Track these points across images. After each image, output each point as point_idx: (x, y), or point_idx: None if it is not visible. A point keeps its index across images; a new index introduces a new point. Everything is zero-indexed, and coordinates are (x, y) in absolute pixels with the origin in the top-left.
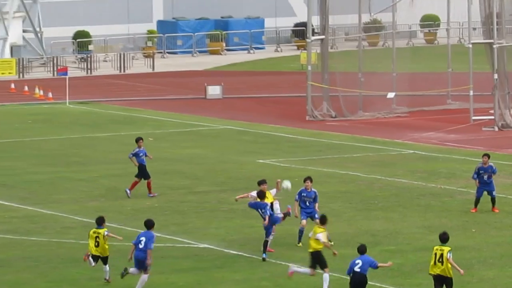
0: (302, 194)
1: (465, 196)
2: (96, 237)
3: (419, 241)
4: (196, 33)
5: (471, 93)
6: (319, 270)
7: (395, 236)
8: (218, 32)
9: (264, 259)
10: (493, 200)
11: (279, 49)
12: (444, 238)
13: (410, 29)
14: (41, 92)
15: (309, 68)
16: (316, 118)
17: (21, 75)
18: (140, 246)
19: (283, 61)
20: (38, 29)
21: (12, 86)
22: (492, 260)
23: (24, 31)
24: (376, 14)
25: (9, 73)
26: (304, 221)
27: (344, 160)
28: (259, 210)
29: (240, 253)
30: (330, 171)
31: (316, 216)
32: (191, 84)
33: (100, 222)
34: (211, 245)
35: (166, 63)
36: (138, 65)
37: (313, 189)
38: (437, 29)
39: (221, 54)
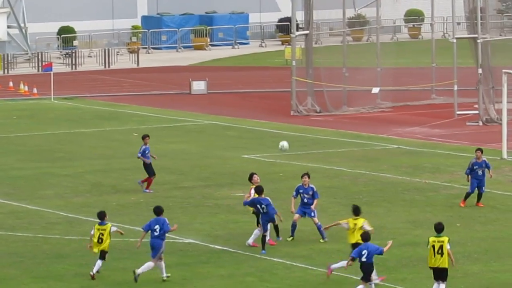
0: (300, 191)
1: (449, 191)
2: (101, 233)
3: (404, 236)
4: (180, 29)
5: (456, 87)
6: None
7: (380, 231)
8: (202, 28)
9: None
10: (480, 195)
11: (263, 44)
12: (439, 228)
13: (395, 24)
14: (26, 88)
15: (294, 63)
16: (301, 113)
17: (5, 70)
18: (155, 234)
19: (267, 56)
20: (22, 25)
21: None
22: (476, 255)
23: (8, 26)
24: (360, 9)
25: None
26: (297, 215)
27: (328, 155)
28: (258, 206)
29: (225, 248)
30: (315, 166)
31: (312, 214)
32: (176, 79)
33: (101, 217)
34: (196, 240)
35: (151, 59)
36: (123, 61)
37: (310, 185)
38: (421, 24)
39: (205, 49)
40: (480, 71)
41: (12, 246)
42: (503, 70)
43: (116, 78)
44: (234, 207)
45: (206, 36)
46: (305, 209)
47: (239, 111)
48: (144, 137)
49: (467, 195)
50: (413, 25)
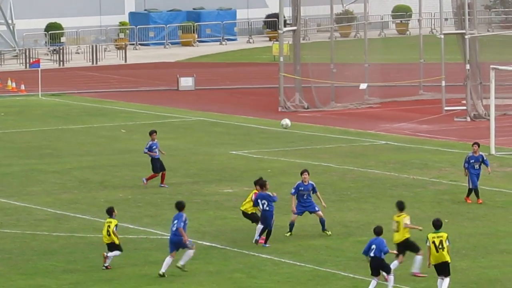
0: (300, 188)
1: (437, 187)
2: (108, 225)
3: (392, 233)
4: (168, 25)
5: (443, 83)
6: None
7: (368, 227)
8: (190, 24)
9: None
10: (470, 191)
11: (251, 40)
12: (438, 225)
13: (382, 20)
14: (14, 85)
15: (281, 59)
16: (289, 109)
17: None
18: (173, 229)
19: (255, 52)
20: (10, 21)
21: None
22: (465, 251)
23: None
24: (348, 5)
25: None
26: (294, 216)
27: (316, 151)
28: (263, 201)
29: (213, 245)
30: (303, 162)
31: (317, 208)
32: (164, 75)
33: (109, 212)
34: None
35: (139, 55)
36: (110, 57)
37: (310, 182)
38: (409, 20)
39: (193, 45)
40: (468, 67)
41: (0, 242)
42: (491, 66)
43: (104, 74)
44: (222, 203)
45: (193, 32)
46: (304, 207)
47: (226, 107)
48: (151, 133)
49: (470, 191)
50: (401, 21)
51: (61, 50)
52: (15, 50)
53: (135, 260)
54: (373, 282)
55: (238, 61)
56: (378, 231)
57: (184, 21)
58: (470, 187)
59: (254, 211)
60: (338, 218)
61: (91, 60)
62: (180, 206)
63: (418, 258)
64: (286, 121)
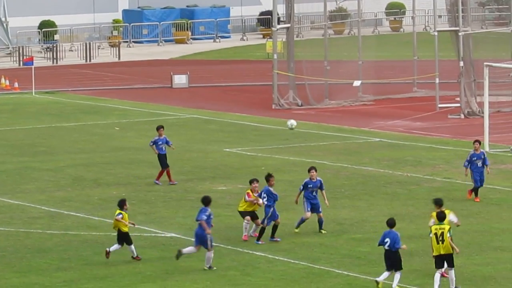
0: (308, 186)
1: (431, 184)
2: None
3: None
4: (161, 22)
5: (437, 80)
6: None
7: (362, 225)
8: (183, 21)
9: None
10: (476, 190)
11: (244, 37)
12: (441, 217)
13: (376, 17)
14: (7, 82)
15: (275, 56)
16: (282, 107)
17: None
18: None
19: (249, 49)
20: (3, 19)
21: None
22: (459, 248)
23: None
24: (341, 2)
25: None
26: (308, 213)
27: (310, 148)
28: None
29: None
30: (297, 160)
31: (320, 210)
32: (157, 73)
33: (120, 205)
34: (178, 234)
35: (132, 52)
36: (104, 55)
37: (318, 178)
38: (402, 17)
39: (187, 43)
40: (461, 64)
41: None
42: (485, 63)
43: (97, 72)
44: (216, 201)
45: (187, 29)
46: (314, 203)
47: (220, 104)
48: (158, 128)
49: (475, 189)
50: (395, 18)
51: (55, 48)
52: (8, 47)
53: (128, 257)
54: (397, 275)
55: (231, 58)
56: (391, 223)
57: (177, 19)
58: (475, 185)
59: (251, 210)
60: (332, 215)
61: (84, 58)
62: (205, 200)
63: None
64: (291, 121)
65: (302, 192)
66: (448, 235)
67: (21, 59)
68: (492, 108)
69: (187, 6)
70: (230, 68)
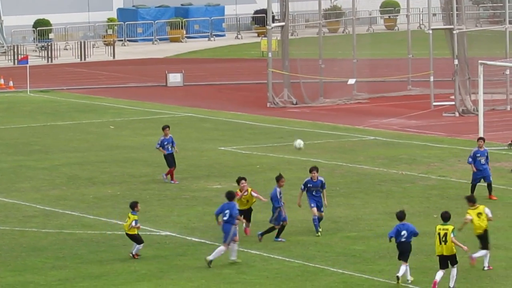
0: (309, 185)
1: (426, 182)
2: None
3: (381, 228)
4: (156, 21)
5: (432, 79)
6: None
7: (357, 223)
8: (178, 20)
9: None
10: (490, 187)
11: (239, 36)
12: (446, 217)
13: (370, 16)
14: (2, 81)
15: (270, 55)
16: (277, 105)
17: None
18: (225, 218)
19: (243, 48)
20: None
21: None
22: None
23: None
24: (336, 0)
25: None
26: (314, 209)
27: (305, 146)
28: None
29: (202, 241)
30: (291, 158)
31: (322, 209)
32: (152, 71)
33: (131, 207)
34: (173, 233)
35: (127, 51)
36: (99, 53)
37: (319, 178)
38: (397, 15)
39: (181, 41)
40: (456, 62)
41: None
42: (479, 61)
43: (92, 70)
44: (211, 199)
45: (182, 28)
46: (317, 200)
47: (215, 103)
48: (164, 128)
49: (472, 187)
50: (389, 16)
51: (49, 47)
52: (3, 46)
53: (124, 256)
54: (403, 267)
55: (226, 57)
56: (401, 216)
57: (172, 17)
58: (474, 183)
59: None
60: (327, 213)
61: (79, 57)
62: (230, 195)
63: (484, 252)
64: (299, 141)
65: (304, 192)
66: (452, 235)
67: (16, 58)
68: (487, 106)
69: (182, 5)
70: (225, 66)
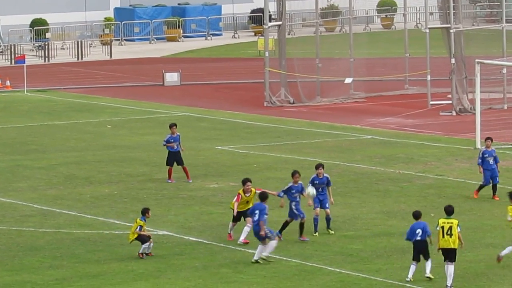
0: (315, 182)
1: (423, 181)
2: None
3: (378, 227)
4: (153, 20)
5: (429, 78)
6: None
7: (354, 222)
8: (175, 19)
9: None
10: (495, 187)
11: (236, 35)
12: (449, 211)
13: (367, 15)
14: None
15: (267, 54)
16: (274, 104)
17: None
18: (254, 219)
19: (240, 47)
20: None
21: None
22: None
23: None
24: None
25: None
26: (317, 210)
27: (302, 146)
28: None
29: (199, 240)
30: (289, 157)
31: (327, 206)
32: (149, 71)
33: (143, 212)
34: (170, 232)
35: (124, 50)
36: (96, 53)
37: (325, 175)
38: (394, 14)
39: (178, 41)
40: (453, 61)
41: None
42: (476, 60)
43: (89, 70)
44: (208, 198)
45: (179, 27)
46: (321, 199)
47: (212, 102)
48: (171, 126)
49: (481, 187)
50: (386, 15)
51: (46, 46)
52: (0, 46)
53: (121, 255)
54: (413, 267)
55: (223, 56)
56: (417, 215)
57: (169, 17)
58: (482, 183)
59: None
60: (324, 212)
61: (76, 56)
62: (263, 196)
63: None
64: (311, 189)
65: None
66: (458, 229)
67: (13, 57)
68: (484, 105)
69: (179, 4)
70: (221, 65)
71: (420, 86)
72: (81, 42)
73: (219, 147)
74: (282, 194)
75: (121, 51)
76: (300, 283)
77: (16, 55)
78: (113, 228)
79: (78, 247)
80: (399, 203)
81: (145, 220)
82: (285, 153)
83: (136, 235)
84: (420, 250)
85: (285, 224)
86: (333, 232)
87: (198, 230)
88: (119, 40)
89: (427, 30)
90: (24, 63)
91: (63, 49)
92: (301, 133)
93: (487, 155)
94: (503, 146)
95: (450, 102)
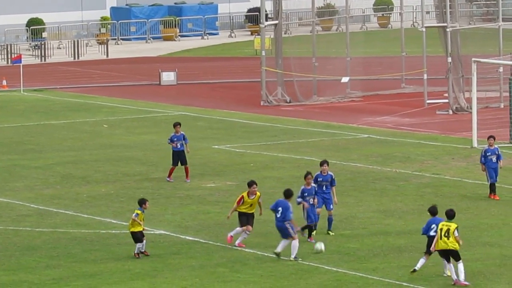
0: (318, 179)
1: (420, 180)
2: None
3: (375, 226)
4: (149, 19)
5: (425, 76)
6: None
7: (351, 221)
8: (171, 18)
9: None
10: (493, 185)
11: (233, 34)
12: (450, 215)
13: (364, 14)
14: None
15: (263, 53)
16: (271, 103)
17: None
18: (278, 215)
19: (237, 46)
20: None
21: None
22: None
23: None
24: None
25: None
26: (319, 210)
27: (299, 145)
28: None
29: (196, 239)
30: (285, 156)
31: (331, 207)
32: (145, 70)
33: (139, 203)
34: (167, 232)
35: (120, 50)
36: (92, 52)
37: (329, 173)
38: (390, 13)
39: (175, 40)
40: (449, 60)
41: None
42: (473, 59)
43: (86, 69)
44: (205, 197)
45: (175, 26)
46: (324, 198)
47: (209, 101)
48: (175, 125)
49: (491, 186)
50: (382, 14)
51: (43, 46)
52: None
53: (118, 255)
54: (422, 260)
55: (220, 55)
56: (433, 211)
57: (165, 16)
58: (491, 182)
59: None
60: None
61: (72, 55)
62: (288, 193)
63: None
64: (320, 247)
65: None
66: (455, 234)
67: (9, 57)
68: (480, 103)
69: (175, 3)
70: (218, 65)
71: (416, 85)
72: (78, 41)
73: (216, 146)
74: (300, 200)
75: (117, 51)
76: (296, 282)
77: (13, 55)
78: (110, 227)
79: (75, 246)
80: (395, 202)
81: (143, 211)
82: (282, 152)
83: (132, 227)
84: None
85: (307, 228)
86: (333, 233)
87: (195, 230)
88: (115, 39)
89: (424, 29)
90: (21, 62)
91: (60, 48)
92: (298, 132)
93: (490, 154)
94: (500, 145)
95: (446, 101)
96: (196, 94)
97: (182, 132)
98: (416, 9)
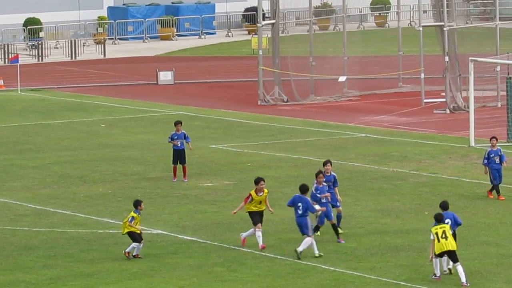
0: None
1: (417, 179)
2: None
3: (372, 225)
4: (147, 19)
5: (422, 76)
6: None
7: (348, 220)
8: (169, 18)
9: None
10: (494, 187)
11: (230, 34)
12: (439, 219)
13: (361, 13)
14: None
15: (260, 52)
16: (268, 103)
17: None
18: (299, 212)
19: (234, 46)
20: None
21: None
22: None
23: None
24: None
25: None
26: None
27: (296, 144)
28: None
29: (193, 239)
30: (283, 156)
31: (338, 204)
32: (143, 70)
33: (134, 205)
34: (165, 231)
35: (117, 49)
36: (89, 52)
37: (332, 173)
38: (387, 13)
39: (172, 39)
40: (446, 59)
41: None
42: (470, 58)
43: (83, 69)
44: (202, 197)
45: (172, 26)
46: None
47: (206, 101)
48: (176, 124)
49: (496, 187)
50: (379, 13)
51: (40, 45)
52: None
53: (115, 255)
54: (437, 261)
55: (217, 54)
56: (445, 206)
57: (162, 15)
58: (495, 183)
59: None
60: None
61: (70, 55)
62: (304, 188)
63: None
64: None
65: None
66: (450, 232)
67: (6, 56)
68: (478, 102)
69: (172, 3)
70: (215, 64)
71: (414, 84)
72: (75, 41)
73: (213, 146)
74: (317, 207)
75: (114, 50)
76: (294, 282)
77: (10, 55)
78: (107, 227)
79: (72, 246)
80: (393, 201)
81: (139, 213)
82: (279, 151)
83: (128, 229)
84: None
85: (333, 227)
86: (342, 231)
87: (192, 229)
88: (112, 39)
89: (421, 28)
90: (18, 62)
91: (57, 48)
92: (295, 132)
93: (493, 155)
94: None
95: (444, 100)
96: (193, 93)
97: (183, 131)
98: (413, 8)
